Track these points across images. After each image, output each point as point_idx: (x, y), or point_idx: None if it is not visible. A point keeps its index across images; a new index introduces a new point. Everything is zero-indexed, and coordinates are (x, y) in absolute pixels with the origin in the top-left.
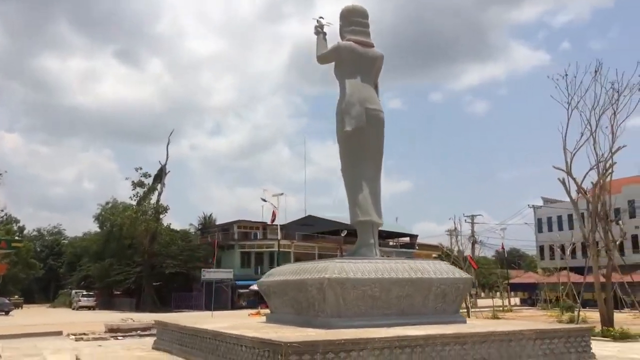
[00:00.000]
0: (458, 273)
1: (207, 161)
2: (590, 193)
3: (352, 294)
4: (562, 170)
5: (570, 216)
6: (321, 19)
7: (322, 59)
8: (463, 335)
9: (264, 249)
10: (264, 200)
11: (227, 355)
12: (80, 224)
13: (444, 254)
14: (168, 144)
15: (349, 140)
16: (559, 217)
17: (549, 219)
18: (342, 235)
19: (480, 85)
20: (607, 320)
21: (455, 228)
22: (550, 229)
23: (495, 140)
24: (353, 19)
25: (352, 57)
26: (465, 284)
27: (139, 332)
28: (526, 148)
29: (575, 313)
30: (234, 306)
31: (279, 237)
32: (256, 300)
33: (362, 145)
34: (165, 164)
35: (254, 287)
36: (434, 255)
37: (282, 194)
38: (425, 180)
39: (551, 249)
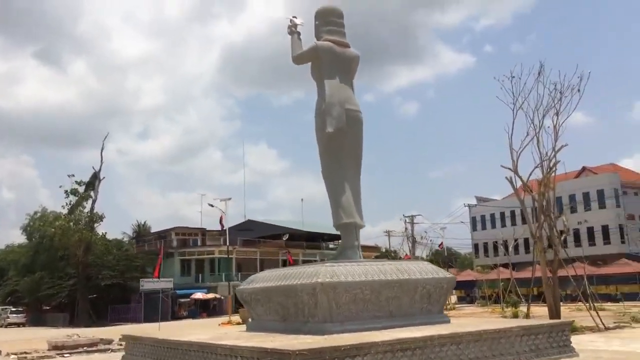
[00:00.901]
0: (442, 273)
1: (135, 166)
2: (535, 190)
3: (344, 297)
4: (510, 169)
5: (502, 214)
6: (294, 19)
7: (299, 59)
8: (459, 335)
9: (205, 255)
10: (211, 206)
11: None
12: (1, 235)
13: (383, 255)
14: (102, 149)
15: (330, 141)
16: (492, 215)
17: (483, 217)
18: (284, 239)
19: (409, 87)
20: (555, 314)
21: (406, 228)
22: (484, 227)
23: (424, 140)
24: (330, 19)
25: (330, 57)
26: (449, 284)
27: (85, 348)
28: (454, 148)
29: (525, 308)
30: (175, 317)
31: (225, 242)
32: (197, 310)
33: (342, 146)
34: (100, 170)
35: (196, 295)
36: (373, 256)
37: (229, 198)
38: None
39: (494, 245)
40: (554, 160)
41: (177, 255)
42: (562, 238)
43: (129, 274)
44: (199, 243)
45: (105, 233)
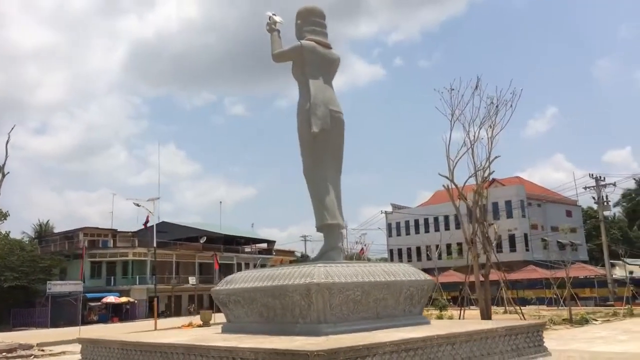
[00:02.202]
0: (422, 275)
1: (30, 162)
2: (461, 197)
3: (338, 298)
4: (447, 177)
5: (416, 221)
6: (273, 16)
7: (280, 56)
8: (454, 335)
9: (118, 257)
10: (137, 205)
11: None
12: None
13: (300, 260)
14: (8, 141)
15: (314, 141)
16: (407, 222)
17: (398, 224)
18: (202, 241)
19: None
20: (486, 316)
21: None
22: (399, 234)
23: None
24: (313, 19)
25: (314, 57)
26: (429, 286)
27: (4, 354)
28: (364, 157)
29: (448, 312)
30: (85, 321)
31: (136, 244)
32: (108, 315)
33: (326, 147)
34: (4, 165)
35: (108, 299)
36: (290, 260)
37: (158, 198)
38: (269, 186)
39: (408, 251)
40: (488, 171)
41: (87, 257)
42: (495, 243)
43: (34, 276)
44: (109, 244)
45: (9, 232)
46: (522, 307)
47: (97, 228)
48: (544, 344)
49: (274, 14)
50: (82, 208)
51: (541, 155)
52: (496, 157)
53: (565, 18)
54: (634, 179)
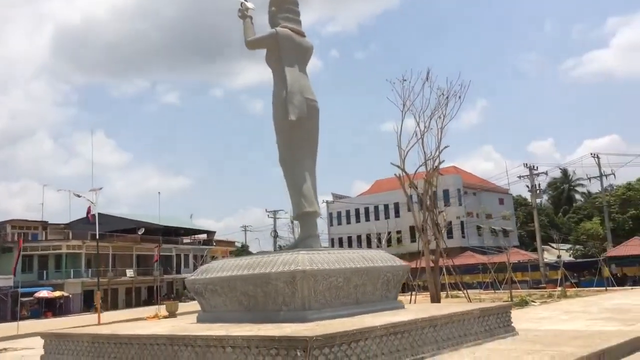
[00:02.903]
0: (398, 261)
1: None
2: (420, 187)
3: (322, 285)
4: (398, 166)
5: (357, 210)
6: (245, 2)
7: (253, 43)
8: (436, 317)
9: (50, 250)
10: (78, 196)
11: None
12: None
13: (240, 250)
14: None
15: (291, 129)
16: (348, 212)
17: (339, 214)
18: (140, 233)
19: (256, 85)
20: (436, 301)
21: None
22: (339, 223)
23: (271, 138)
24: (286, 6)
25: (289, 45)
26: (404, 271)
27: None
28: None
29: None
30: (15, 317)
31: (70, 237)
32: (40, 310)
33: (302, 135)
34: None
35: (41, 294)
36: (229, 252)
37: (101, 188)
38: (203, 176)
39: (349, 239)
40: (438, 160)
41: (17, 250)
42: (445, 230)
43: None
44: (40, 237)
45: None
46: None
47: (26, 220)
48: (512, 324)
49: (246, 1)
50: (3, 200)
51: (472, 146)
52: (445, 147)
53: (494, 12)
54: (560, 168)
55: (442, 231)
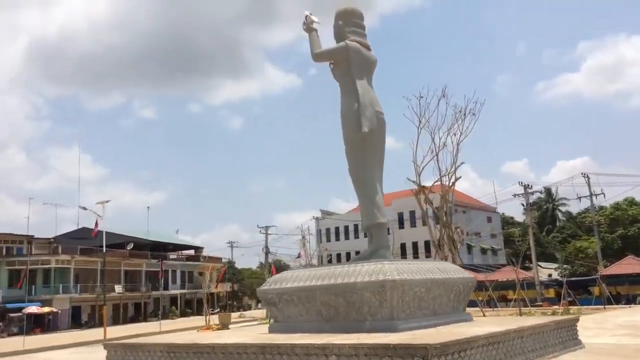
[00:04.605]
0: (467, 273)
1: None
2: (436, 203)
3: (409, 295)
4: (413, 181)
5: (346, 227)
6: (310, 15)
7: (322, 56)
8: (522, 329)
9: (39, 265)
10: (85, 209)
11: None
12: None
13: (229, 266)
14: None
15: (363, 141)
16: (337, 229)
17: (328, 230)
18: (129, 248)
19: (236, 101)
20: None
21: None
22: (328, 240)
23: (247, 155)
24: (354, 20)
25: (358, 58)
26: (473, 284)
27: None
28: (276, 164)
29: None
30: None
31: (58, 251)
32: (29, 326)
33: (372, 146)
34: None
35: (30, 309)
36: (218, 267)
37: (108, 201)
38: (179, 192)
39: (338, 256)
40: (454, 177)
41: (5, 265)
42: (460, 246)
43: None
44: (25, 251)
45: None
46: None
47: (11, 234)
48: (579, 337)
49: (310, 14)
50: None
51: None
52: (462, 163)
53: (470, 34)
54: (544, 187)
55: (458, 247)
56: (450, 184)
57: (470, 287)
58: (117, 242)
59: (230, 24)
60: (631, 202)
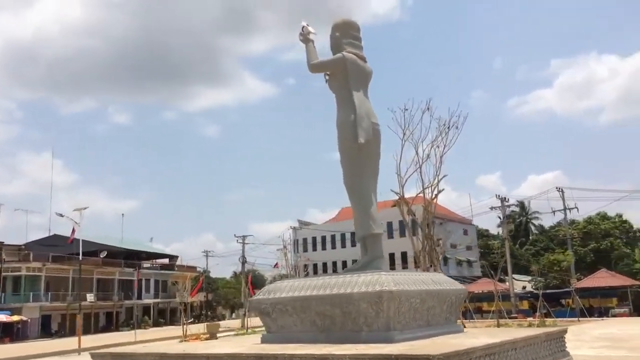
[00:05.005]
0: (458, 285)
1: None
2: (420, 215)
3: (405, 306)
4: (397, 193)
5: (323, 238)
6: (307, 26)
7: (318, 67)
8: (515, 340)
9: (9, 272)
10: (61, 215)
11: None
12: None
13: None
14: None
15: (359, 152)
16: (314, 239)
17: (305, 240)
18: (102, 256)
19: (212, 109)
20: None
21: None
22: (305, 250)
23: (223, 164)
24: (351, 32)
25: (355, 69)
26: (464, 295)
27: None
28: (251, 173)
29: None
30: None
31: (28, 258)
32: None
33: (368, 158)
34: None
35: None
36: (194, 276)
37: (85, 208)
38: (154, 199)
39: (314, 267)
40: (436, 189)
41: None
42: (442, 257)
43: None
44: None
45: None
46: None
47: None
48: (566, 349)
49: (307, 25)
50: None
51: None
52: (445, 176)
53: (446, 49)
54: (517, 201)
55: (439, 258)
56: (433, 195)
57: (462, 299)
58: (91, 250)
59: (207, 32)
60: (603, 216)
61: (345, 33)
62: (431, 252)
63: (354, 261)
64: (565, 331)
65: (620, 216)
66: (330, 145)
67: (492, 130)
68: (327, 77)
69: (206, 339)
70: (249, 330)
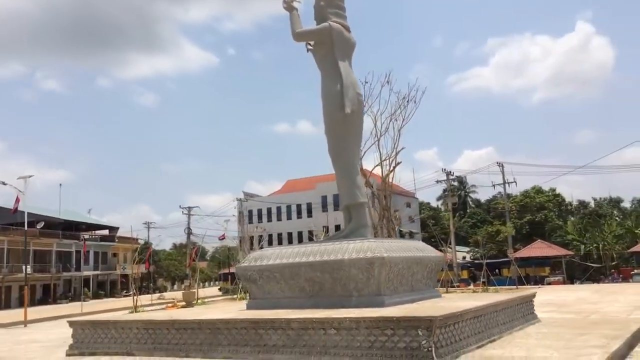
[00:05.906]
0: (436, 252)
1: None
2: (378, 188)
3: (394, 272)
4: None
5: (269, 209)
6: None
7: (303, 35)
8: (499, 303)
9: None
10: (4, 184)
11: (317, 347)
12: None
13: (144, 246)
14: None
15: (345, 122)
16: (260, 211)
17: (250, 212)
18: (39, 227)
19: (149, 77)
20: None
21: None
22: (251, 221)
23: (161, 134)
24: (336, 2)
25: (340, 39)
26: (442, 261)
27: None
28: (190, 145)
29: None
30: None
31: None
32: None
33: (353, 127)
34: None
35: None
36: (133, 248)
37: (31, 176)
38: (88, 170)
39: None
40: (394, 161)
41: None
42: (398, 229)
43: None
44: None
45: None
46: None
47: None
48: (535, 312)
49: None
50: None
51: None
52: (402, 148)
53: (390, 24)
54: (458, 176)
55: (396, 230)
56: (391, 168)
57: (439, 265)
58: (21, 221)
59: None
60: (538, 190)
61: (330, 2)
62: (388, 224)
63: (310, 232)
64: (533, 295)
65: (554, 190)
66: (271, 117)
67: (431, 106)
68: (309, 47)
69: (182, 307)
70: (199, 302)
